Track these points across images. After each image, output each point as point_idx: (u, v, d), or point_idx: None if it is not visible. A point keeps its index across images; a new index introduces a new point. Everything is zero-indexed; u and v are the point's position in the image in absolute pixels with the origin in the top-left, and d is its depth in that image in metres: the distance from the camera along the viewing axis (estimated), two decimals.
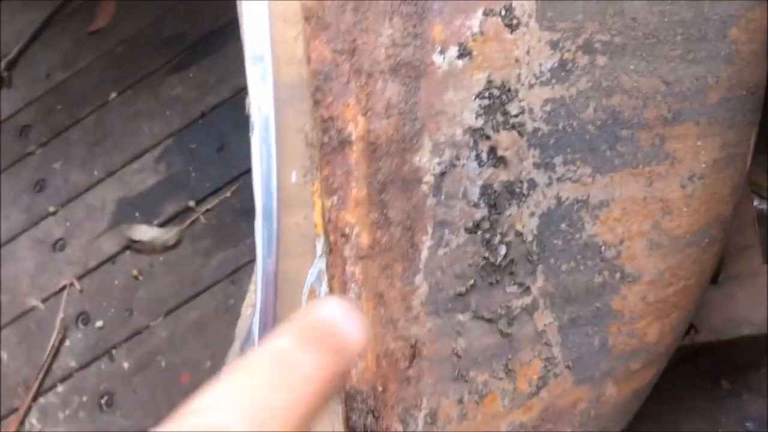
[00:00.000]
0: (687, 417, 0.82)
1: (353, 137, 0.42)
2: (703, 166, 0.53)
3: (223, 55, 1.17)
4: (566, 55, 0.48)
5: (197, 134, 1.14)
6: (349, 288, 0.43)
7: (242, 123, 0.43)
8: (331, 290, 0.43)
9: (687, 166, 0.53)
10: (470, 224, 0.46)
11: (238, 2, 0.41)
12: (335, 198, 0.42)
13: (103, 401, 1.04)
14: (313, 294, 0.42)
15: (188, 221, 1.09)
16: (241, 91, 1.12)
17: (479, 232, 0.46)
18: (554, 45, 0.47)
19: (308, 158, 0.42)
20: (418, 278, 0.45)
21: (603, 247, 0.50)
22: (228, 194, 1.09)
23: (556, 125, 0.48)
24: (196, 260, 1.08)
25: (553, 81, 0.47)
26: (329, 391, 0.21)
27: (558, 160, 0.48)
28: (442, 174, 0.45)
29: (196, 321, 1.05)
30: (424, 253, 0.45)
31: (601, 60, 0.49)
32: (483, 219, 0.46)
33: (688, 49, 0.52)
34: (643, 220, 0.52)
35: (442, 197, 0.45)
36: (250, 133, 0.40)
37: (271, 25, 0.40)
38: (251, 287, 0.71)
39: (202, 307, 1.05)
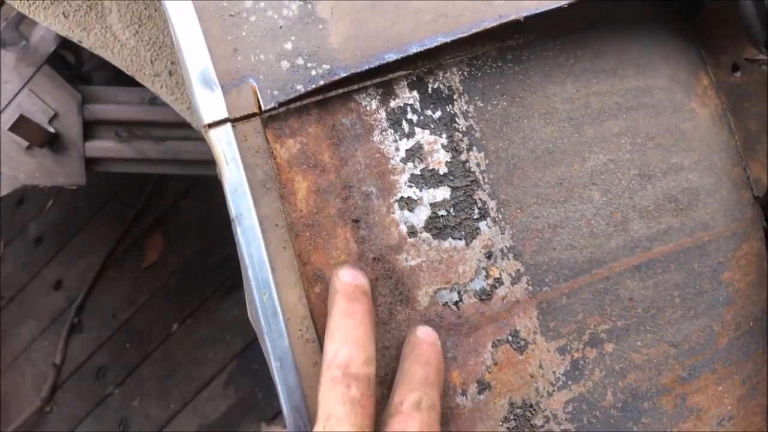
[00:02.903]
0: None
1: None
2: (729, 407, 0.57)
3: None
4: (576, 355, 0.53)
5: (258, 353, 1.21)
6: None
7: None
8: None
9: (713, 414, 0.56)
10: None
11: (280, 403, 0.47)
12: None
13: None
14: None
15: None
16: None
17: None
18: (562, 350, 0.52)
19: None
20: None
21: None
22: None
23: (581, 421, 0.52)
24: None
25: (570, 382, 0.52)
26: (371, 316, 0.45)
27: None
28: None
29: None
30: None
31: (608, 347, 0.54)
32: None
33: (688, 307, 0.56)
34: None
35: None
36: None
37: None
38: None
39: None
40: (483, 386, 0.50)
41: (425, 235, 0.50)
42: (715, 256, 0.58)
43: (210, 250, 1.32)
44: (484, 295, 0.51)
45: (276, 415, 1.14)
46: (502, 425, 0.50)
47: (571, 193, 0.55)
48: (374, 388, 0.42)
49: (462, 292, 0.50)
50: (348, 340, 0.43)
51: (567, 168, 0.55)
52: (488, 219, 0.52)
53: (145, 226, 1.41)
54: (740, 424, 0.57)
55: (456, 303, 0.50)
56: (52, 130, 0.99)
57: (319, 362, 0.47)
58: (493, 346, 0.51)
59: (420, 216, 0.50)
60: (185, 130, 1.02)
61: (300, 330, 0.47)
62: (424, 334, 0.46)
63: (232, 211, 0.47)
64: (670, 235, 0.57)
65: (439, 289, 0.50)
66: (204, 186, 1.37)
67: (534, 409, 0.51)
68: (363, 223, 0.49)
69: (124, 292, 1.39)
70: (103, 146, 1.02)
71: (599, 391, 0.53)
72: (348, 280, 0.45)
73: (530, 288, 0.52)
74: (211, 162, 1.08)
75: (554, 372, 0.52)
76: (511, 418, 0.51)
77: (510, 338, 0.51)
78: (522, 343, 0.52)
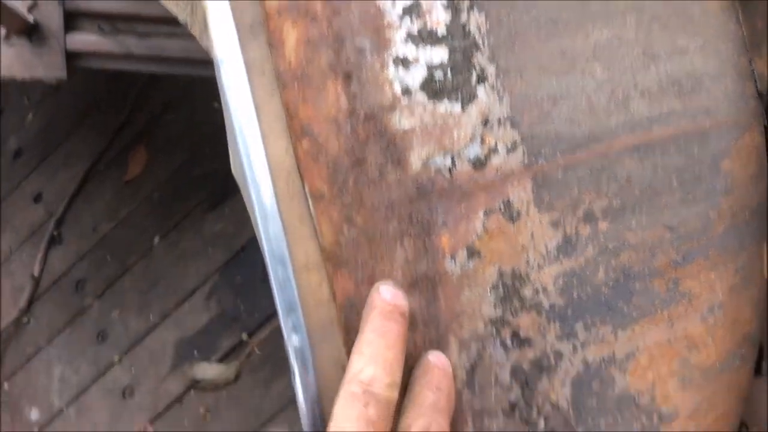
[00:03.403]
0: None
1: None
2: (720, 295, 0.56)
3: None
4: (569, 230, 0.51)
5: (241, 267, 1.20)
6: None
7: None
8: None
9: (705, 300, 0.55)
10: (507, 406, 0.49)
11: (264, 256, 0.46)
12: None
13: None
14: None
15: (244, 354, 1.14)
16: None
17: (517, 412, 0.50)
18: (555, 224, 0.51)
19: None
20: None
21: (636, 396, 0.53)
22: (278, 323, 1.14)
23: (571, 296, 0.51)
24: (258, 391, 1.12)
25: (561, 257, 0.51)
26: (405, 340, 0.43)
27: (579, 327, 0.51)
28: (472, 367, 0.49)
29: None
30: None
31: (603, 225, 0.52)
32: (518, 399, 0.50)
33: (685, 192, 0.55)
34: (670, 361, 0.54)
35: (476, 388, 0.49)
36: (292, 379, 0.44)
37: (297, 278, 0.44)
38: None
39: None
40: (472, 253, 0.49)
41: (420, 96, 0.48)
42: (716, 143, 0.57)
43: (194, 163, 1.29)
44: (478, 163, 0.49)
45: (258, 327, 1.14)
46: (490, 293, 0.49)
47: (572, 66, 0.52)
48: (392, 414, 0.41)
49: (456, 158, 0.49)
50: (377, 359, 0.41)
51: (570, 40, 0.53)
52: (486, 85, 0.50)
53: (128, 138, 1.38)
54: (730, 313, 0.56)
55: (449, 169, 0.48)
56: (31, 19, 0.95)
57: (305, 216, 0.46)
58: (484, 214, 0.49)
59: (415, 77, 0.48)
60: (171, 27, 0.98)
61: (286, 183, 0.45)
62: (436, 359, 0.45)
63: (217, 54, 0.45)
64: (671, 117, 0.55)
65: (432, 154, 0.48)
66: (189, 99, 1.34)
67: (523, 280, 0.50)
68: (355, 79, 0.47)
69: (106, 205, 1.36)
70: (85, 39, 0.98)
71: (591, 268, 0.52)
72: (388, 298, 0.43)
73: (526, 159, 0.50)
74: (197, 61, 1.04)
75: (546, 245, 0.51)
76: (500, 287, 0.49)
77: (502, 207, 0.50)
78: (514, 213, 0.50)
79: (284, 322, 0.44)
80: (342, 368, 0.46)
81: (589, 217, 0.52)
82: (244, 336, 1.14)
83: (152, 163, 1.34)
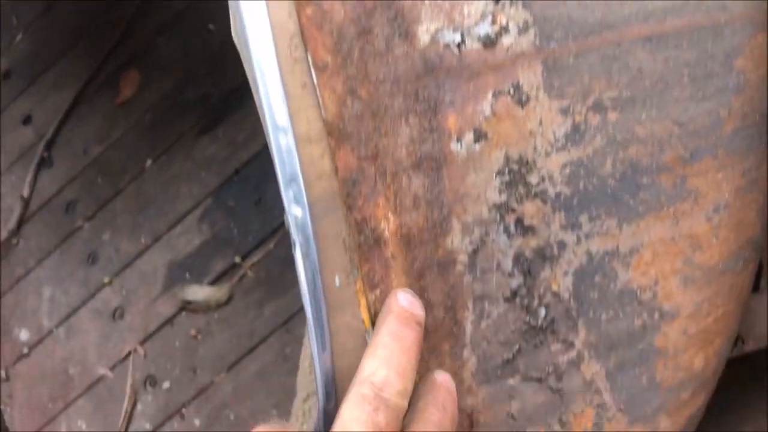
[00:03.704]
0: (750, 417, 0.83)
1: (387, 234, 0.45)
2: (727, 196, 0.55)
3: (247, 111, 1.21)
4: (577, 118, 0.50)
5: (234, 191, 1.18)
6: None
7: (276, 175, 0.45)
8: None
9: (711, 199, 0.54)
10: (508, 293, 0.49)
11: (264, 125, 0.44)
12: (377, 291, 0.45)
13: None
14: None
15: (237, 277, 1.13)
16: None
17: (518, 299, 0.49)
18: (565, 111, 0.49)
19: (348, 261, 0.44)
20: (466, 352, 0.48)
21: (638, 291, 0.52)
22: (271, 246, 1.13)
23: (577, 186, 0.50)
24: (250, 313, 1.12)
25: (569, 145, 0.50)
26: (419, 349, 0.42)
27: (583, 218, 0.50)
28: (475, 251, 0.48)
29: (257, 372, 1.09)
30: (468, 328, 0.48)
31: (612, 116, 0.51)
32: (519, 286, 0.49)
33: (696, 88, 0.53)
34: (674, 259, 0.53)
35: (478, 273, 0.48)
36: (293, 250, 0.43)
37: (299, 148, 0.43)
38: (305, 340, 0.74)
39: (261, 358, 1.10)
40: (479, 135, 0.47)
41: None
42: (729, 40, 0.55)
43: (188, 87, 1.27)
44: (488, 42, 0.47)
45: (252, 250, 1.13)
46: (495, 178, 0.48)
47: None
48: (401, 423, 0.40)
49: (465, 35, 0.47)
50: (390, 363, 0.40)
51: None
52: None
53: (121, 60, 1.35)
54: (735, 215, 0.55)
55: (458, 45, 0.47)
56: None
57: (308, 84, 0.44)
58: (493, 96, 0.48)
59: None
60: None
61: (288, 48, 0.43)
62: (442, 378, 0.44)
63: None
64: (685, 9, 0.53)
65: (441, 28, 0.46)
66: (184, 21, 1.30)
67: (530, 167, 0.49)
68: None
69: (97, 127, 1.33)
70: None
71: (598, 158, 0.51)
72: (405, 305, 0.43)
73: (537, 41, 0.49)
74: None
75: (554, 132, 0.49)
76: (506, 171, 0.48)
77: (511, 90, 0.48)
78: (524, 97, 0.48)
79: (285, 193, 0.43)
80: (343, 243, 0.45)
81: (599, 107, 0.50)
82: (237, 259, 1.13)
83: (145, 85, 1.31)
